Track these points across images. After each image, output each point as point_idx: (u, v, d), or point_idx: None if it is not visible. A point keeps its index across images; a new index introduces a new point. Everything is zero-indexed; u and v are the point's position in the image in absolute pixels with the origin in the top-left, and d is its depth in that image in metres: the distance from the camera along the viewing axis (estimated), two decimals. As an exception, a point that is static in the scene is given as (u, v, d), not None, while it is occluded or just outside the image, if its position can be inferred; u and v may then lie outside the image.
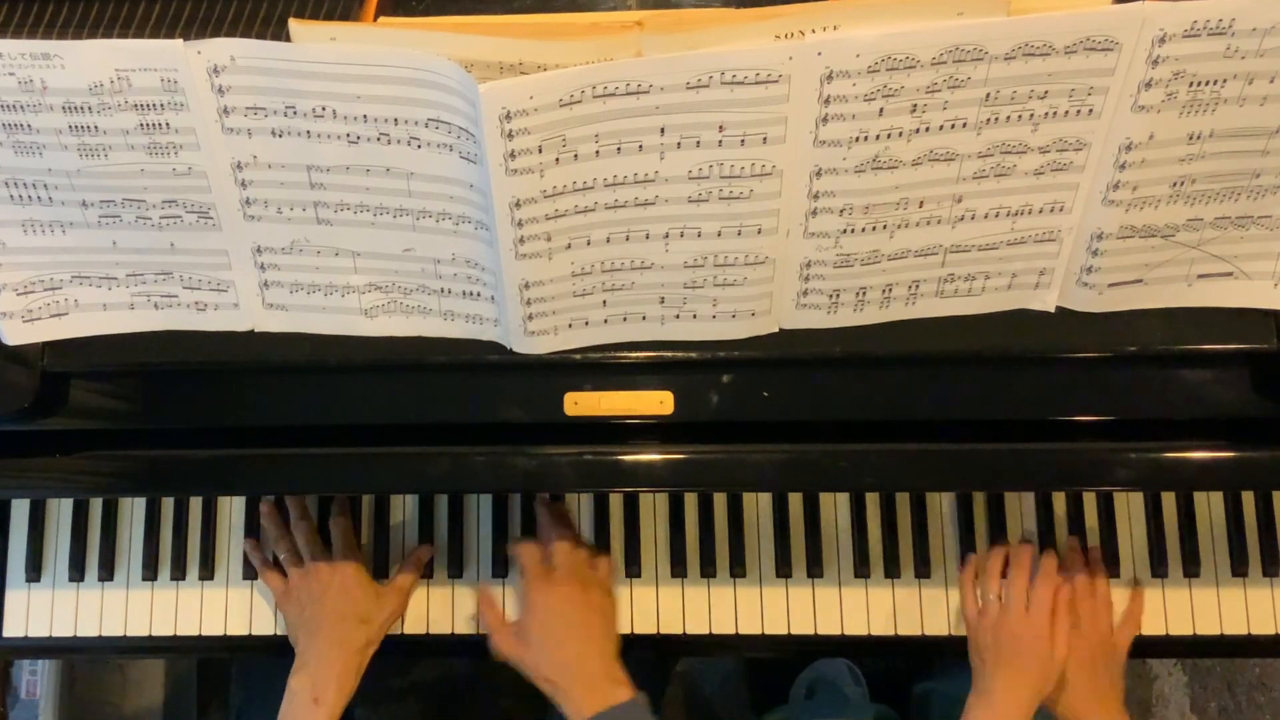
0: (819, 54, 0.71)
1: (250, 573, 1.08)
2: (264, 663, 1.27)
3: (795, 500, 1.07)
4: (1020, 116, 0.75)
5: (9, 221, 0.82)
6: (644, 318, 0.86)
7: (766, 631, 1.05)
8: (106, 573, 1.08)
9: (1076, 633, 0.98)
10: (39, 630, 1.08)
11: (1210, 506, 1.06)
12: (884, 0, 0.73)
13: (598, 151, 0.74)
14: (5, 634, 1.08)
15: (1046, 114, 0.75)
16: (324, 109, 0.75)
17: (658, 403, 0.89)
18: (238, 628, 1.08)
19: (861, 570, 1.06)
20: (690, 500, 1.08)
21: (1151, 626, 1.04)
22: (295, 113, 0.75)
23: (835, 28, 0.74)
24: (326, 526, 1.06)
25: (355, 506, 1.09)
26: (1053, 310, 0.86)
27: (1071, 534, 1.05)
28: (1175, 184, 0.79)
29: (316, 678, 0.96)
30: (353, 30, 0.79)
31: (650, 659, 1.32)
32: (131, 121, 0.76)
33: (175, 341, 0.88)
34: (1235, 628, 1.05)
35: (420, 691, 1.70)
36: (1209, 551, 1.06)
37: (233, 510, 1.10)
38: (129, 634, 1.08)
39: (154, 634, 1.08)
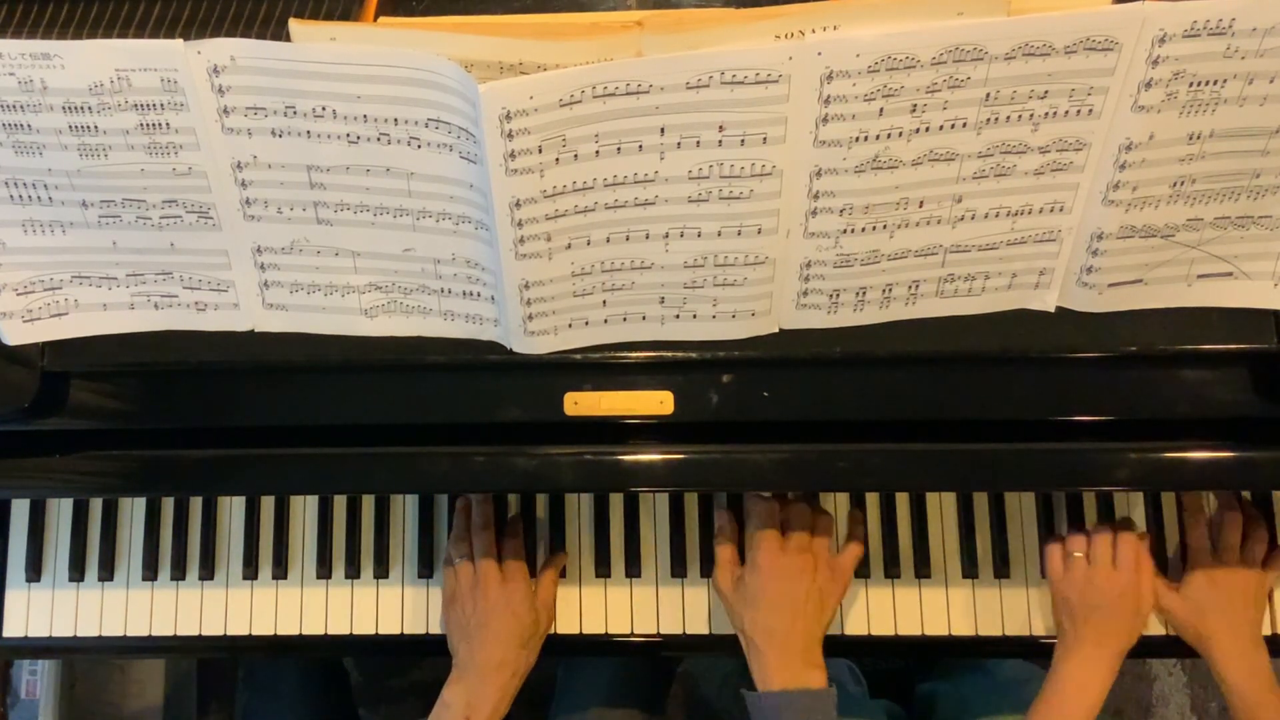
0: (819, 54, 0.71)
1: (250, 573, 1.08)
2: (268, 662, 1.27)
3: (795, 500, 1.07)
4: (1020, 116, 0.75)
5: (9, 221, 0.82)
6: (644, 318, 0.86)
7: (767, 631, 1.05)
8: (106, 573, 1.08)
9: (1222, 556, 1.00)
10: (39, 630, 1.08)
11: (1209, 507, 1.06)
12: (884, 0, 0.73)
13: (598, 151, 0.74)
14: (5, 634, 1.08)
15: (1046, 114, 0.75)
16: (324, 109, 0.75)
17: (658, 403, 0.89)
18: (238, 628, 1.08)
19: (861, 570, 1.06)
20: (690, 500, 1.08)
21: (1151, 627, 1.04)
22: (295, 113, 0.75)
23: (835, 28, 0.74)
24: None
25: (355, 506, 1.09)
26: (1053, 310, 0.86)
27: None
28: (1175, 184, 0.79)
29: (474, 695, 0.96)
30: (353, 30, 0.79)
31: (651, 659, 1.32)
32: (131, 121, 0.76)
33: (175, 341, 0.88)
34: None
35: (420, 691, 1.70)
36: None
37: (232, 510, 1.10)
38: (129, 634, 1.08)
39: (154, 634, 1.08)
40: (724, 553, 1.01)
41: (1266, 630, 1.03)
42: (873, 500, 1.07)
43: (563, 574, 1.07)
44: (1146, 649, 1.03)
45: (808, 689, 0.92)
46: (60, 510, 1.10)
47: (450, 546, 1.04)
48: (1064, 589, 0.99)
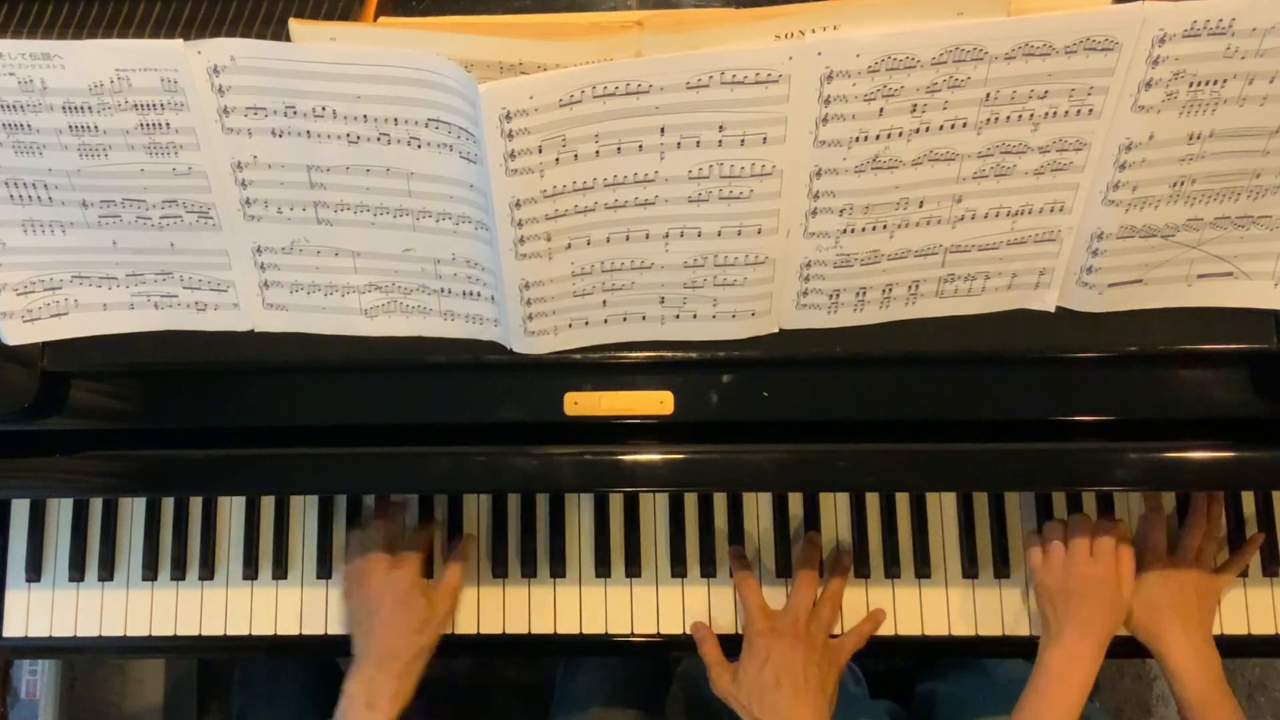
0: (819, 54, 0.71)
1: (250, 573, 1.08)
2: (265, 663, 1.27)
3: (795, 500, 1.07)
4: (1020, 116, 0.75)
5: (9, 221, 0.82)
6: (644, 318, 0.86)
7: (766, 631, 1.05)
8: (106, 573, 1.08)
9: (1174, 557, 1.00)
10: (39, 630, 1.08)
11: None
12: (884, 0, 0.73)
13: (598, 151, 0.74)
14: (5, 634, 1.08)
15: (1046, 114, 0.75)
16: (324, 109, 0.75)
17: (658, 403, 0.89)
18: (238, 628, 1.08)
19: (862, 571, 1.06)
20: (690, 500, 1.08)
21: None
22: (295, 113, 0.75)
23: (835, 28, 0.74)
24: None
25: (355, 506, 1.09)
26: (1053, 310, 0.86)
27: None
28: (1175, 184, 0.79)
29: (372, 685, 0.96)
30: (353, 30, 0.79)
31: (651, 659, 1.32)
32: (131, 121, 0.76)
33: (175, 341, 0.88)
34: (1235, 627, 1.05)
35: (420, 691, 1.70)
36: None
37: (233, 510, 1.10)
38: (129, 634, 1.08)
39: (154, 634, 1.08)
40: (711, 654, 1.02)
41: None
42: (873, 500, 1.07)
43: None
44: (1148, 649, 1.03)
45: None
46: (60, 510, 1.10)
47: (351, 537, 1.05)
48: (1043, 577, 0.99)
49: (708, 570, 1.06)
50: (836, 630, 1.04)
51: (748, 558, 1.06)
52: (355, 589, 1.02)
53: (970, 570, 1.06)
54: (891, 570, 1.06)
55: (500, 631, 1.07)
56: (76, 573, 1.08)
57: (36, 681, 1.44)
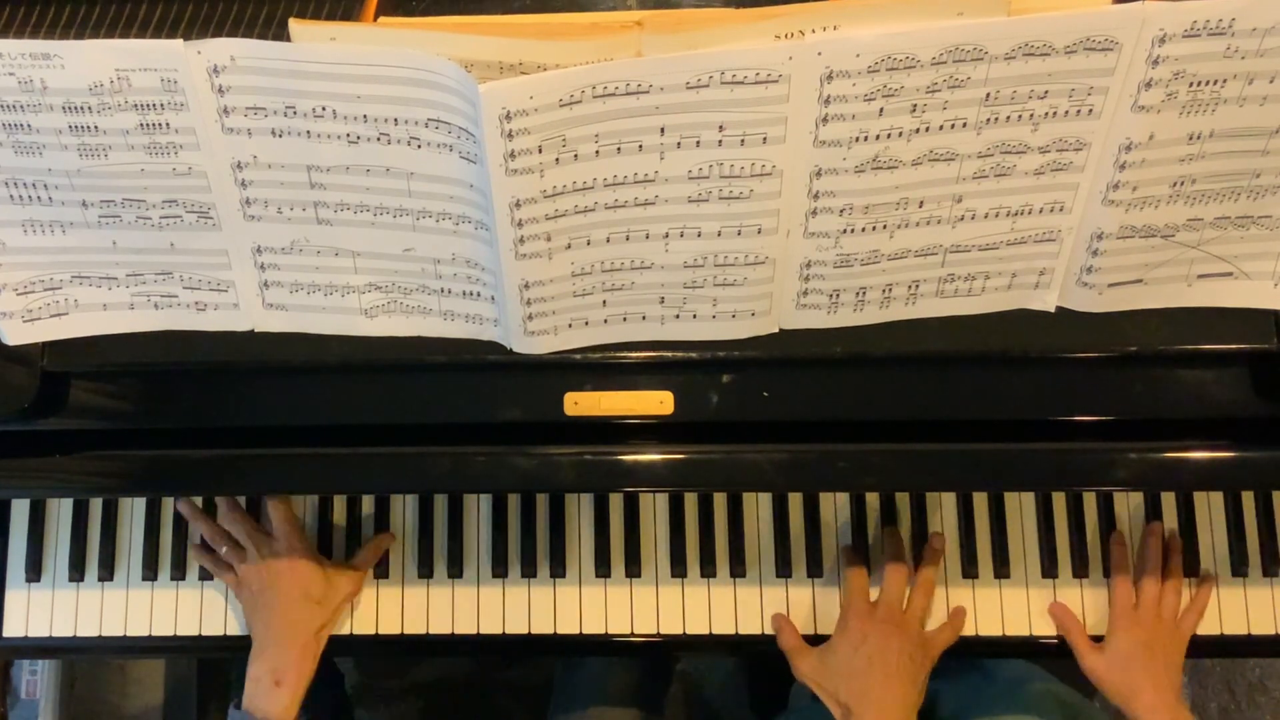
0: (819, 54, 0.71)
1: (250, 573, 1.08)
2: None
3: (795, 500, 1.07)
4: (1020, 116, 0.75)
5: (9, 221, 0.82)
6: (644, 318, 0.86)
7: (767, 631, 1.05)
8: (106, 573, 1.08)
9: (1138, 615, 1.00)
10: (39, 630, 1.08)
11: (1210, 506, 1.06)
12: (884, 0, 0.73)
13: (598, 151, 0.74)
14: (5, 634, 1.08)
15: (1046, 114, 0.75)
16: (324, 109, 0.75)
17: (658, 403, 0.89)
18: (237, 628, 1.08)
19: (861, 570, 1.06)
20: (690, 500, 1.08)
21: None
22: (295, 113, 0.75)
23: (835, 28, 0.74)
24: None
25: (355, 506, 1.09)
26: (1053, 310, 0.86)
27: (1114, 529, 1.06)
28: (1175, 184, 0.79)
29: (275, 662, 0.97)
30: (353, 30, 0.79)
31: (651, 659, 1.32)
32: (131, 121, 0.76)
33: (175, 341, 0.88)
34: (1235, 628, 1.05)
35: (420, 691, 1.70)
36: (1209, 551, 1.06)
37: (233, 510, 1.10)
38: (129, 634, 1.08)
39: (154, 634, 1.08)
40: (790, 642, 1.02)
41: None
42: (872, 501, 1.07)
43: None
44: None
45: None
46: (60, 510, 1.10)
47: (211, 544, 1.05)
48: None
49: (708, 570, 1.06)
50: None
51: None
52: (250, 575, 1.01)
53: (970, 570, 1.06)
54: (891, 570, 1.06)
55: (500, 631, 1.07)
56: (76, 573, 1.08)
57: (36, 681, 1.44)
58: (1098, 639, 1.01)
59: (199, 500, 1.08)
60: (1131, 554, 1.05)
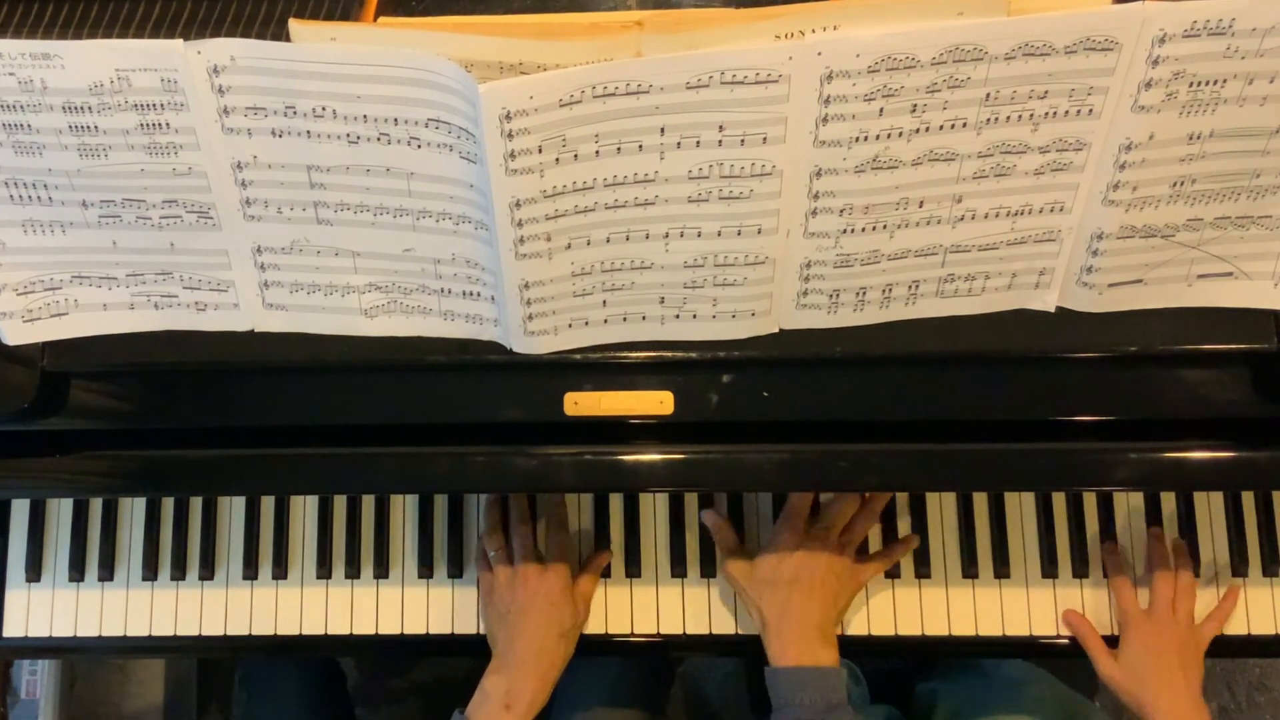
0: (819, 54, 0.71)
1: (250, 573, 1.08)
2: (265, 663, 1.27)
3: (795, 500, 1.07)
4: (1020, 116, 0.75)
5: (9, 221, 0.82)
6: (644, 318, 0.86)
7: (767, 631, 1.05)
8: (106, 573, 1.08)
9: (1151, 620, 0.99)
10: (39, 630, 1.08)
11: (1210, 507, 1.06)
12: (884, 0, 0.73)
13: (598, 151, 0.74)
14: (5, 634, 1.08)
15: (1046, 114, 0.75)
16: (324, 109, 0.75)
17: (658, 403, 0.89)
18: (238, 628, 1.08)
19: (861, 570, 1.06)
20: (690, 500, 1.08)
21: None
22: (295, 113, 0.75)
23: (835, 28, 0.74)
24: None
25: (355, 506, 1.09)
26: (1053, 310, 0.86)
27: (1108, 536, 1.06)
28: (1175, 184, 0.79)
29: (513, 684, 0.97)
30: (353, 30, 0.79)
31: (651, 659, 1.32)
32: (131, 121, 0.76)
33: (175, 341, 0.88)
34: (1235, 628, 1.05)
35: (420, 691, 1.70)
36: (1209, 551, 1.06)
37: (232, 510, 1.10)
38: (129, 634, 1.08)
39: (154, 634, 1.08)
40: (728, 539, 1.03)
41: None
42: (873, 500, 1.07)
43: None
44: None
45: (820, 665, 0.94)
46: (60, 510, 1.10)
47: (485, 540, 1.05)
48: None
49: (708, 570, 1.07)
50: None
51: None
52: (506, 590, 1.02)
53: (970, 570, 1.06)
54: (891, 570, 1.06)
55: (500, 631, 1.07)
56: (76, 573, 1.08)
57: (36, 681, 1.44)
58: (1108, 639, 1.01)
59: (199, 500, 1.08)
60: (1130, 557, 1.04)
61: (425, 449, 0.92)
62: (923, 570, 1.06)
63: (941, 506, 1.07)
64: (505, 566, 1.03)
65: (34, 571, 1.09)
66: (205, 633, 1.08)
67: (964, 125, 0.75)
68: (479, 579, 1.05)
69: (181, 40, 0.73)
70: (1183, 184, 0.79)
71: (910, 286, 0.84)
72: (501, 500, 1.06)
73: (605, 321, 0.86)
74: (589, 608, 1.05)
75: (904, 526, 1.07)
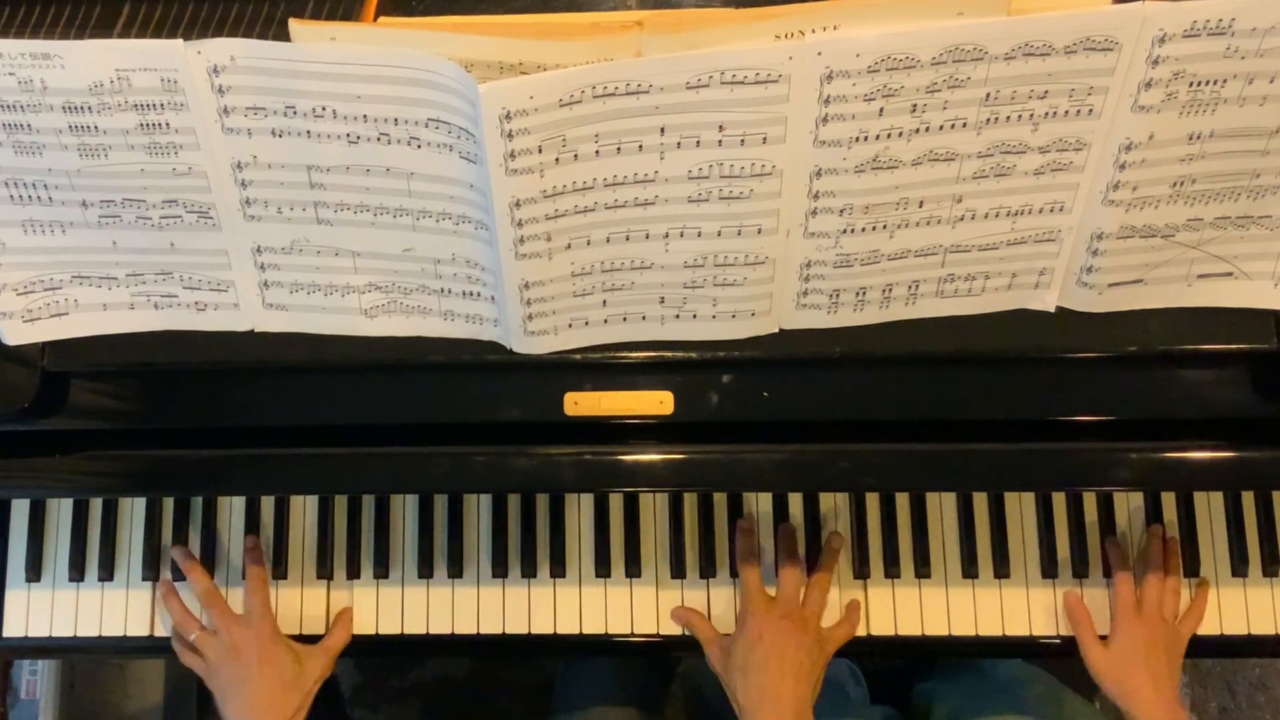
0: (819, 54, 0.71)
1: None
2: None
3: (795, 500, 1.07)
4: (1020, 116, 0.75)
5: (9, 221, 0.82)
6: (644, 318, 0.86)
7: (767, 631, 1.05)
8: (106, 573, 1.08)
9: (1141, 615, 1.00)
10: (39, 630, 1.08)
11: (1210, 506, 1.06)
12: (884, 0, 0.73)
13: (598, 151, 0.74)
14: (5, 634, 1.08)
15: (1046, 114, 0.75)
16: (324, 109, 0.75)
17: (658, 403, 0.89)
18: (238, 628, 1.08)
19: (861, 571, 1.06)
20: (690, 500, 1.08)
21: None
22: (295, 113, 0.75)
23: (835, 28, 0.74)
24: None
25: (355, 506, 1.09)
26: (1053, 310, 0.86)
27: (1110, 534, 1.06)
28: (1175, 184, 0.79)
29: None
30: (353, 30, 0.79)
31: (651, 659, 1.32)
32: (131, 121, 0.76)
33: (175, 341, 0.88)
34: (1235, 628, 1.05)
35: (420, 691, 1.70)
36: (1209, 551, 1.06)
37: (232, 510, 1.09)
38: (129, 634, 1.08)
39: (154, 634, 1.08)
40: (704, 631, 1.03)
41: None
42: (873, 500, 1.07)
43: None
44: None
45: None
46: (60, 510, 1.09)
47: (180, 629, 1.03)
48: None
49: (708, 570, 1.06)
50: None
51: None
52: (220, 661, 1.00)
53: (970, 570, 1.06)
54: (891, 570, 1.06)
55: (500, 631, 1.07)
56: (76, 573, 1.08)
57: (36, 681, 1.43)
58: (1101, 638, 1.01)
59: (199, 500, 1.08)
60: (1132, 553, 1.05)
61: (425, 449, 0.92)
62: (923, 570, 1.06)
63: (941, 506, 1.07)
64: (211, 643, 1.01)
65: (34, 571, 1.09)
66: (205, 633, 1.08)
67: (964, 125, 0.75)
68: (191, 667, 1.03)
69: (181, 40, 0.73)
70: (1183, 184, 0.79)
71: (910, 286, 0.84)
72: (169, 584, 1.05)
73: (605, 321, 0.86)
74: (333, 659, 1.03)
75: (904, 527, 1.07)
